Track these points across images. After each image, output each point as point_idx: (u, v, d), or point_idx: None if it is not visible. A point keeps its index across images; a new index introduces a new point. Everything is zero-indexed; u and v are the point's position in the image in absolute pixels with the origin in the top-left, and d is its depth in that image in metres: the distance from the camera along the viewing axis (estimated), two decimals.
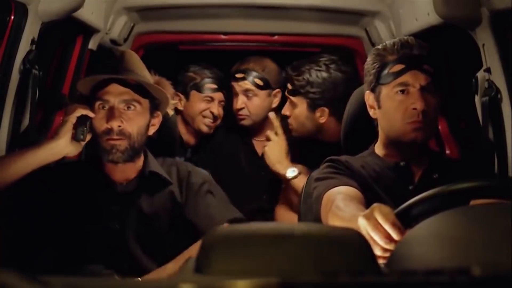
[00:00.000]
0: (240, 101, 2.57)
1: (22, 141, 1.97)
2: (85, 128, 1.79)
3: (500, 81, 1.84)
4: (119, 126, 1.76)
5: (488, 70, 1.87)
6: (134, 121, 1.79)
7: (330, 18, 2.70)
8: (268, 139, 2.31)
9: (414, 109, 1.61)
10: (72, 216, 1.79)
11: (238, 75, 2.59)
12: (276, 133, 2.32)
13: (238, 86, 2.58)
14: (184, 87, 2.64)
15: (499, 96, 1.85)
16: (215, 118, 2.64)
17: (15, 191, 1.77)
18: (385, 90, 1.67)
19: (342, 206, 1.46)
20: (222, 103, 2.67)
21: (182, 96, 2.65)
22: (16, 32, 1.85)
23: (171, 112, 2.00)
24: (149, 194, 1.85)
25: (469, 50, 1.95)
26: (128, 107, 1.79)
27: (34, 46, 1.90)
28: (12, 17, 1.84)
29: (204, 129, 2.64)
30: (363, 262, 0.75)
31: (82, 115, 1.78)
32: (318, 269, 0.72)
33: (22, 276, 0.60)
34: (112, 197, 1.83)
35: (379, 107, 1.70)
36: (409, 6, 2.26)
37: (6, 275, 0.60)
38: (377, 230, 1.14)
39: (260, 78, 2.58)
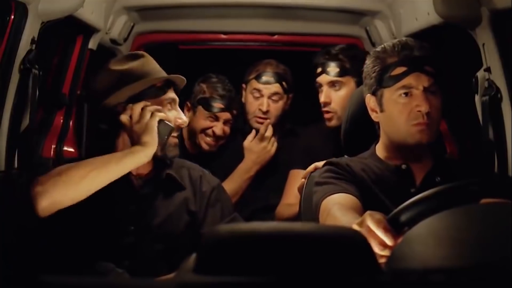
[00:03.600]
0: (266, 104, 2.56)
1: (22, 141, 1.97)
2: (171, 127, 1.78)
3: (500, 81, 1.84)
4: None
5: (488, 70, 1.86)
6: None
7: (330, 18, 2.70)
8: None
9: (419, 111, 1.61)
10: (86, 214, 1.77)
11: (266, 78, 2.57)
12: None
13: (265, 89, 2.57)
14: (194, 98, 2.62)
15: (499, 96, 1.85)
16: (217, 138, 2.58)
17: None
18: (387, 94, 1.66)
19: (339, 215, 1.45)
20: (229, 123, 2.61)
21: (190, 106, 2.63)
22: (16, 32, 1.85)
23: None
24: (164, 197, 1.85)
25: (469, 50, 1.95)
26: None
27: (34, 46, 1.90)
28: (12, 17, 1.83)
29: (205, 146, 2.59)
30: (363, 262, 0.75)
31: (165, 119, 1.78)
32: (318, 269, 0.72)
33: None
34: (128, 198, 1.82)
35: (382, 111, 1.69)
36: (409, 6, 2.26)
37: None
38: (370, 237, 1.14)
39: (287, 82, 2.59)
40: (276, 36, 2.90)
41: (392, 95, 1.65)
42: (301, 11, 2.64)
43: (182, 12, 2.68)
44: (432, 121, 1.62)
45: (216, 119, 2.57)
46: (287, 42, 2.97)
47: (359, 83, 2.30)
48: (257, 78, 2.58)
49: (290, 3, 2.57)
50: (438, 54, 1.70)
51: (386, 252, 1.12)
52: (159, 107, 1.77)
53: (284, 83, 2.58)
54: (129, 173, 1.80)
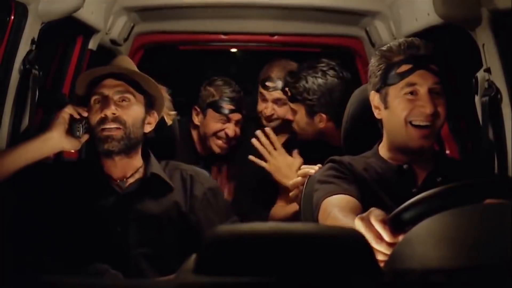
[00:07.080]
0: (270, 109, 2.56)
1: (22, 141, 1.97)
2: (81, 124, 1.82)
3: (500, 81, 1.84)
4: (114, 114, 1.80)
5: (488, 70, 1.86)
6: (129, 111, 1.83)
7: (330, 18, 2.70)
8: (265, 160, 2.25)
9: (423, 111, 1.61)
10: (71, 217, 1.79)
11: (268, 84, 2.55)
12: (275, 148, 2.27)
13: (268, 95, 2.56)
14: (202, 102, 2.61)
15: (499, 96, 1.85)
16: (229, 139, 2.59)
17: (16, 189, 1.76)
18: (392, 91, 1.66)
19: (340, 216, 1.46)
20: (239, 123, 2.62)
21: (199, 110, 2.63)
22: (16, 32, 1.85)
23: (169, 121, 2.01)
24: (152, 198, 1.85)
25: (469, 50, 1.95)
26: (123, 100, 1.83)
27: (34, 46, 1.90)
28: (12, 17, 1.84)
29: (216, 150, 2.60)
30: (363, 262, 0.75)
31: (75, 115, 1.82)
32: (318, 269, 0.72)
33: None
34: (113, 198, 1.82)
35: (386, 107, 1.69)
36: (409, 6, 2.26)
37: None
38: (369, 230, 1.17)
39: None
40: (276, 37, 2.90)
41: (397, 92, 1.65)
42: (301, 11, 2.64)
43: (182, 12, 2.68)
44: (434, 124, 1.63)
45: (228, 120, 2.59)
46: (287, 43, 2.98)
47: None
48: (262, 82, 2.58)
49: (290, 4, 2.57)
50: (438, 54, 1.70)
51: (381, 247, 1.14)
52: (80, 109, 1.83)
53: (287, 88, 2.53)
54: (108, 176, 1.85)
